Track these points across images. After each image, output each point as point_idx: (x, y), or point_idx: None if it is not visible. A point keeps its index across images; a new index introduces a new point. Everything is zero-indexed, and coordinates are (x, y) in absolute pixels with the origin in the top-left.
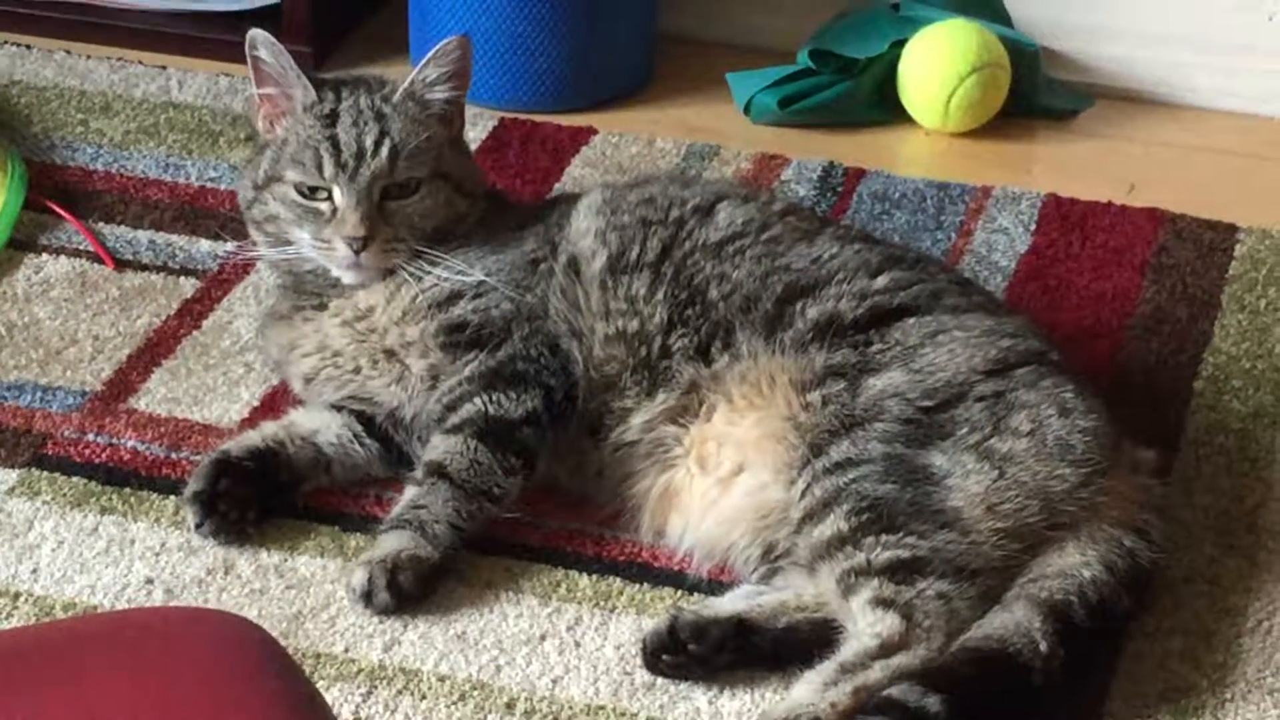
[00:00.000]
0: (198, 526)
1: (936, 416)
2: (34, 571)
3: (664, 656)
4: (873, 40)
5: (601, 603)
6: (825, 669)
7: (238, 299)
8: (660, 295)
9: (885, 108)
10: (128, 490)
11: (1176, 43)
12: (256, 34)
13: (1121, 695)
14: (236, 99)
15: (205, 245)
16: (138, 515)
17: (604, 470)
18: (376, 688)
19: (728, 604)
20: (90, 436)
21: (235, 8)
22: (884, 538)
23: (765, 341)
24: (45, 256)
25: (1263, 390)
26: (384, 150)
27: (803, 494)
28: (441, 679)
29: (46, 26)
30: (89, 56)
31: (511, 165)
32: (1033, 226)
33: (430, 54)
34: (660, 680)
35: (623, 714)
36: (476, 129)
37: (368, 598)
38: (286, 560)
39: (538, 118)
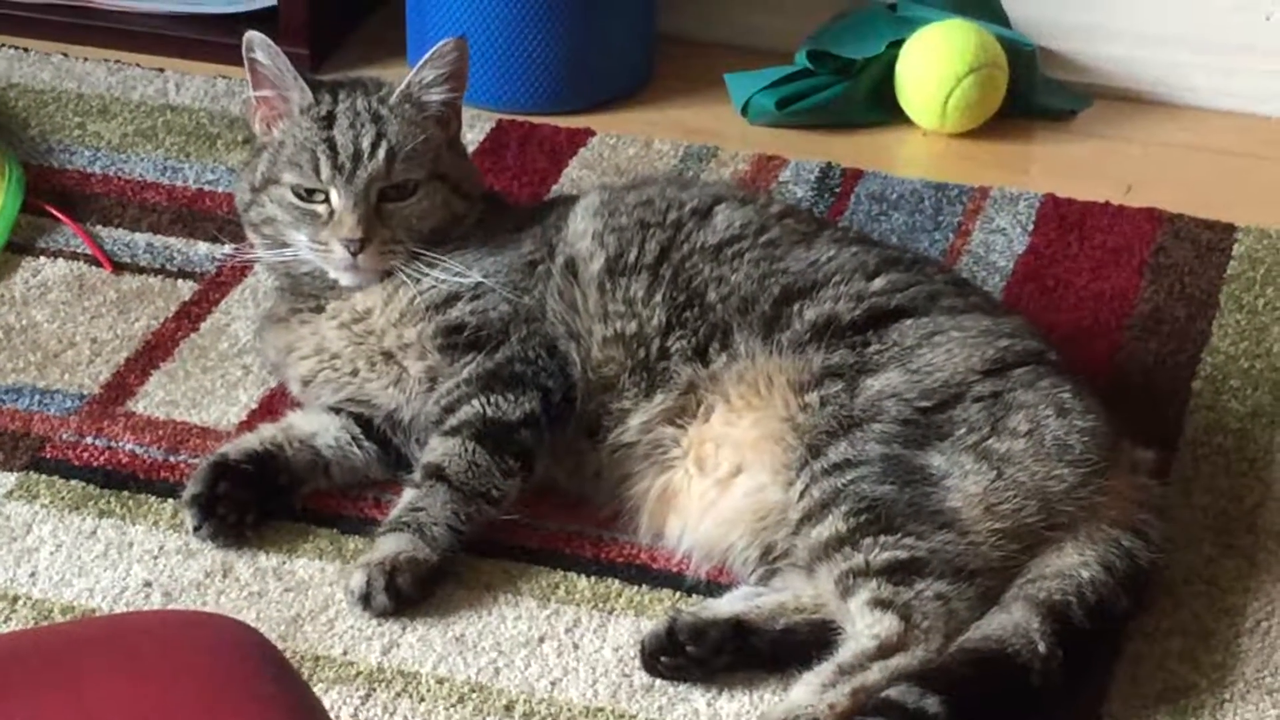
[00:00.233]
0: (196, 529)
1: (934, 417)
2: (32, 575)
3: (662, 658)
4: (870, 41)
5: (600, 604)
6: (824, 670)
7: (235, 302)
8: (658, 297)
9: (883, 108)
10: (126, 493)
11: (1174, 43)
12: (253, 36)
13: (1120, 696)
14: (234, 101)
15: (203, 248)
16: (136, 518)
17: (602, 472)
18: (375, 690)
19: (726, 605)
20: (88, 439)
21: (232, 10)
22: (882, 539)
23: (763, 342)
24: (43, 259)
25: (1261, 390)
26: (381, 152)
27: (801, 495)
28: (440, 681)
29: (44, 29)
30: (86, 59)
31: (509, 167)
32: (1030, 227)
33: (427, 56)
34: (659, 682)
35: (621, 716)
36: (474, 130)
37: (366, 600)
38: (285, 563)
39: (535, 119)
